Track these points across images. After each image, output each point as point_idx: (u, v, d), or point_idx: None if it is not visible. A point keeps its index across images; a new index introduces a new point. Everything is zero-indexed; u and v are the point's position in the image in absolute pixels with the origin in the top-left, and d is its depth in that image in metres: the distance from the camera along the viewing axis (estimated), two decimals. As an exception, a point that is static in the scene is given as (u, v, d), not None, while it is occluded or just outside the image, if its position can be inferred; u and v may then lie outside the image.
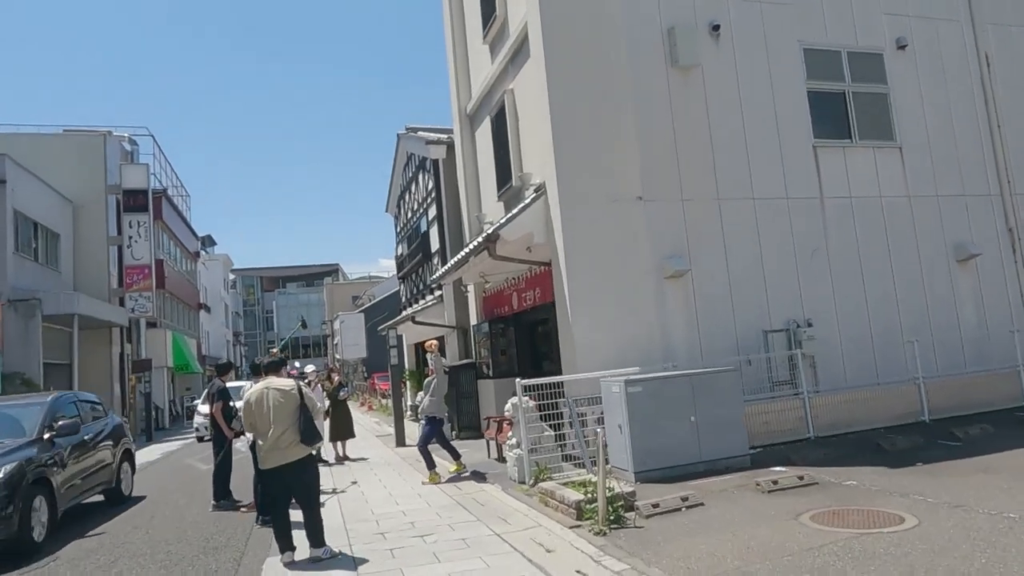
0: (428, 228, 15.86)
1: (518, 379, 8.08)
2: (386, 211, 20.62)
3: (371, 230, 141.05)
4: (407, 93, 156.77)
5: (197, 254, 40.60)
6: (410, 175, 17.60)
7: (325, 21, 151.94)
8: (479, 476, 9.13)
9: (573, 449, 8.24)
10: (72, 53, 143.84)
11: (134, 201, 23.66)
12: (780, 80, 10.42)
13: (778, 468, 7.52)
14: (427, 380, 9.52)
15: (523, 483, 7.91)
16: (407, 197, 18.37)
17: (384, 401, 28.16)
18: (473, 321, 13.61)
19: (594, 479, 7.49)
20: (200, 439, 17.90)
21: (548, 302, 10.13)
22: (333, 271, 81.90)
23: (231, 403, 8.32)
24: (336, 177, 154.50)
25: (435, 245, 15.40)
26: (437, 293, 15.26)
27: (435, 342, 9.42)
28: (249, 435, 6.29)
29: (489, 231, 9.26)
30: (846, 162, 10.70)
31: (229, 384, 8.79)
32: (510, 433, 8.46)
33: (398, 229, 20.10)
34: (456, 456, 9.46)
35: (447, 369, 9.80)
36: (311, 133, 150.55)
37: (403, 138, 17.42)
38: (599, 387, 8.23)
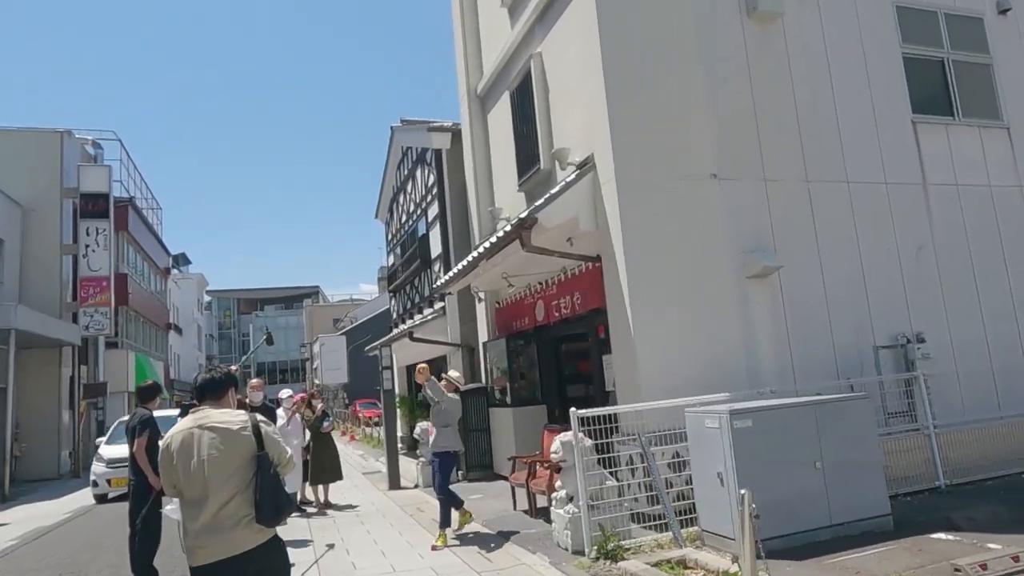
0: (428, 230, 13.72)
1: (573, 410, 5.90)
2: (375, 217, 18.46)
3: (352, 254, 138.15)
4: (394, 106, 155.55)
5: (168, 270, 37.95)
6: (405, 173, 15.51)
7: (310, 23, 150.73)
8: (503, 536, 6.90)
9: (653, 506, 6.02)
10: (37, 54, 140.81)
11: (93, 206, 21.21)
12: (872, 41, 8.53)
13: (943, 536, 5.38)
14: (436, 406, 7.28)
15: (581, 554, 5.69)
16: (401, 199, 16.24)
17: (369, 431, 25.68)
18: (483, 337, 11.43)
19: (689, 553, 5.30)
20: (102, 498, 12.16)
21: (593, 309, 8.00)
22: (313, 293, 79.20)
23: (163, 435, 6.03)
24: (317, 201, 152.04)
25: (436, 249, 13.25)
26: (438, 305, 13.06)
27: (425, 366, 7.20)
28: (172, 509, 3.87)
29: (523, 215, 7.15)
30: (950, 142, 8.78)
31: (158, 413, 6.49)
32: (558, 483, 6.25)
33: (389, 237, 17.93)
34: (458, 503, 7.23)
35: (461, 385, 7.55)
36: (291, 157, 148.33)
37: (398, 131, 15.35)
38: (674, 419, 6.10)
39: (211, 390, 3.36)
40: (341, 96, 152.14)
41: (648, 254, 6.99)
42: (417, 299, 14.75)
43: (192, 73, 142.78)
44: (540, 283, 9.43)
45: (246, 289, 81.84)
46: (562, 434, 6.13)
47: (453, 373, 7.63)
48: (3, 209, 18.96)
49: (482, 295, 10.14)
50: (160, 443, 3.62)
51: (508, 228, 7.32)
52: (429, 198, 13.56)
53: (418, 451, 11.18)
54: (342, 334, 45.31)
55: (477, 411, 10.97)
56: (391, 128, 15.58)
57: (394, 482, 11.19)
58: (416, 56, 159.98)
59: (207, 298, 67.80)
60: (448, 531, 7.02)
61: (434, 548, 6.69)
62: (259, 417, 3.34)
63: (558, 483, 6.24)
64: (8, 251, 19.01)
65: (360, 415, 31.72)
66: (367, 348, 15.43)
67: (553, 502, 6.25)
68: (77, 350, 21.03)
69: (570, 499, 6.04)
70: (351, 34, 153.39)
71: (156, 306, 33.78)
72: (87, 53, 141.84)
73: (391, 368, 11.67)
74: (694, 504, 5.88)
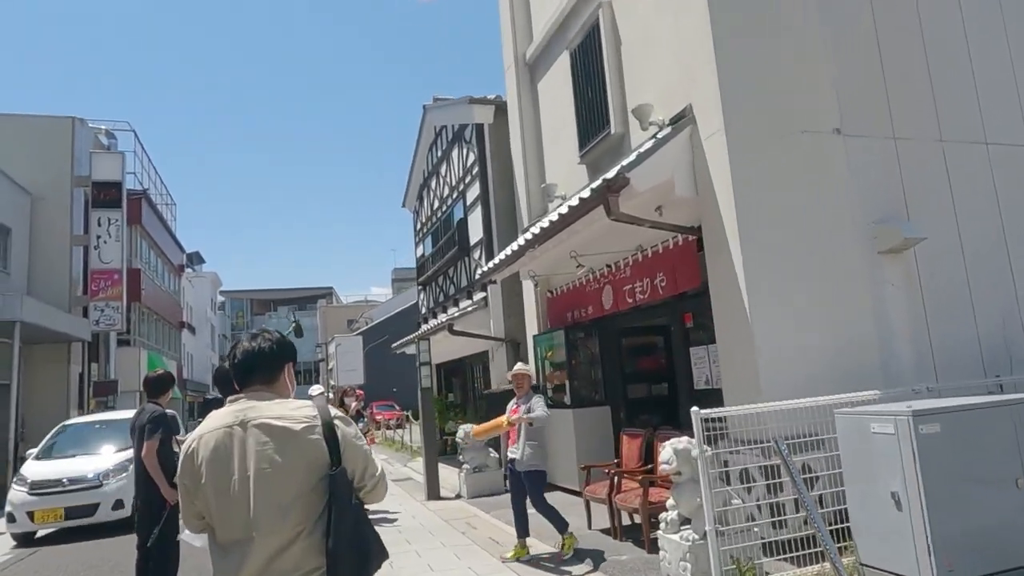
0: (466, 214, 12.54)
1: (696, 409, 4.66)
2: (403, 206, 17.31)
3: (363, 257, 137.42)
4: (408, 106, 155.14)
5: (182, 268, 37.06)
6: (438, 155, 14.35)
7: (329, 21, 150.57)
8: (586, 561, 5.71)
9: (780, 532, 4.77)
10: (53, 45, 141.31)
11: (105, 195, 20.21)
12: (1006, -18, 7.28)
13: None
14: (529, 409, 6.11)
15: (709, 594, 4.46)
16: (433, 184, 15.09)
17: (390, 433, 24.54)
18: (532, 330, 10.23)
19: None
20: (26, 539, 8.89)
21: (679, 295, 6.80)
22: (327, 294, 78.32)
23: (177, 438, 4.88)
24: (330, 204, 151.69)
25: (476, 235, 12.07)
26: (478, 297, 11.88)
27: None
28: (194, 535, 2.58)
29: (610, 175, 5.94)
30: (1095, 101, 7.49)
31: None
32: (669, 501, 5.01)
33: (418, 227, 16.78)
34: (563, 524, 6.08)
35: (548, 395, 6.33)
36: (303, 157, 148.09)
37: (430, 110, 14.19)
38: (793, 424, 4.87)
39: (260, 369, 2.13)
40: (356, 99, 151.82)
41: (766, 223, 5.77)
42: (452, 291, 13.58)
43: (205, 71, 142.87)
44: (608, 266, 8.22)
45: (259, 290, 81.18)
46: (674, 441, 4.91)
47: (523, 365, 6.42)
48: (11, 197, 17.98)
49: (537, 279, 8.94)
50: (180, 448, 2.43)
51: (590, 192, 6.11)
52: (468, 179, 12.39)
53: (460, 456, 9.99)
54: (358, 334, 44.34)
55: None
56: (423, 107, 14.43)
57: (433, 492, 10.01)
58: (430, 60, 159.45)
59: (220, 298, 67.08)
60: (507, 552, 5.91)
61: (503, 560, 5.59)
62: (335, 412, 2.16)
63: (669, 502, 5.01)
64: (16, 240, 18.03)
65: (379, 417, 30.57)
66: (396, 345, 14.27)
67: (663, 524, 5.02)
68: (87, 346, 20.04)
69: (685, 522, 4.82)
70: (367, 33, 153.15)
71: (169, 304, 32.86)
72: (99, 50, 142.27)
73: (429, 364, 10.49)
74: (842, 530, 4.65)
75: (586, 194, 6.46)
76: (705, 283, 6.41)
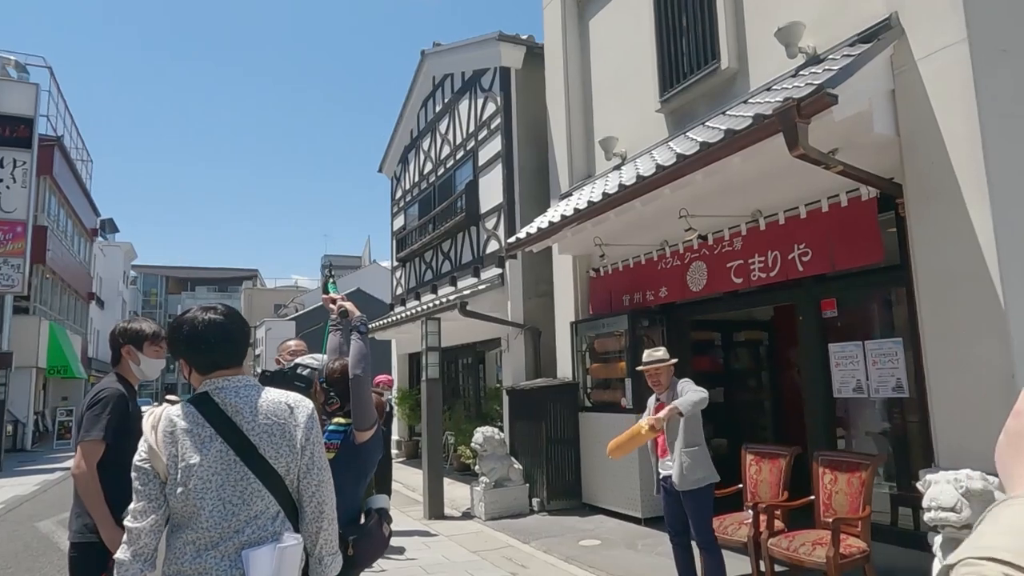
0: (477, 176, 10.56)
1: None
2: (380, 171, 15.09)
3: (289, 245, 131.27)
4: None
5: (95, 233, 33.00)
6: (438, 109, 12.28)
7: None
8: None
9: None
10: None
11: (13, 131, 16.96)
12: None
13: None
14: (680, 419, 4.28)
15: None
16: (426, 144, 12.98)
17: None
18: (568, 316, 8.41)
19: None
20: None
21: (840, 272, 5.17)
22: (252, 276, 73.69)
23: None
24: (258, 184, 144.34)
25: (491, 200, 10.11)
26: (490, 274, 9.95)
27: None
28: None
29: (804, 92, 4.20)
30: None
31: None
32: (937, 566, 3.30)
33: (398, 195, 14.60)
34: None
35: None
36: (234, 134, 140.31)
37: (430, 57, 12.13)
38: None
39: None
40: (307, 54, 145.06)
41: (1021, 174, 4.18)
42: (448, 267, 11.54)
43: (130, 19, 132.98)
44: (702, 237, 6.50)
45: (177, 267, 75.72)
46: (963, 476, 3.20)
47: (661, 351, 4.58)
48: None
49: (603, 249, 7.10)
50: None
51: (772, 110, 4.34)
52: (483, 134, 10.42)
53: (476, 467, 8.04)
54: (290, 319, 41.17)
55: (563, 419, 7.94)
56: (421, 53, 12.35)
57: (435, 509, 8.01)
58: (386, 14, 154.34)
59: (133, 273, 61.69)
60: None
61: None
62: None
63: (937, 568, 3.29)
64: None
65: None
66: (374, 326, 12.06)
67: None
68: (-24, 310, 16.73)
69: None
70: None
71: (78, 272, 28.97)
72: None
73: (438, 349, 8.48)
74: None
75: (742, 122, 4.72)
76: (895, 255, 4.82)
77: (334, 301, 3.09)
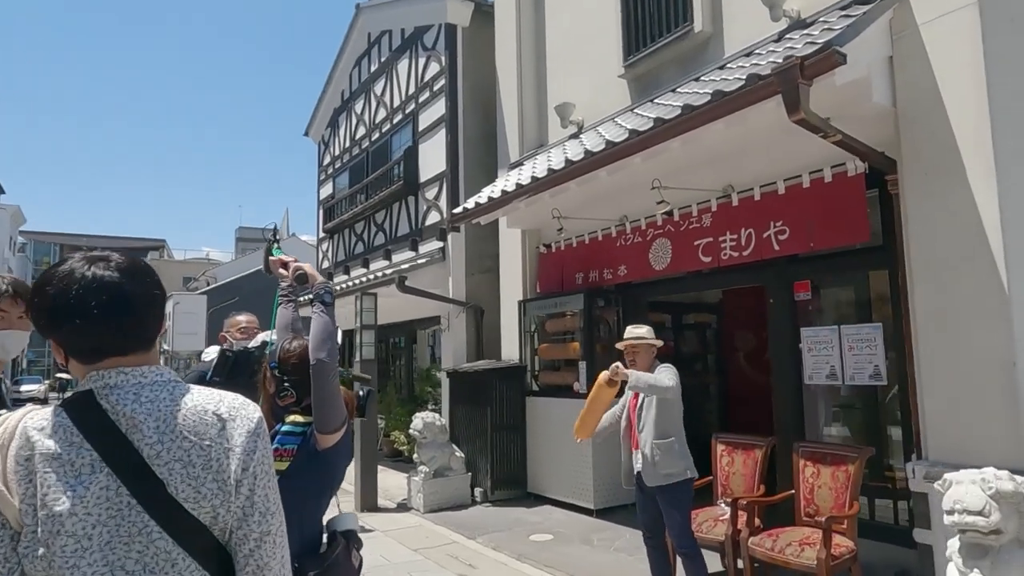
0: (417, 142, 9.78)
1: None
2: (306, 134, 13.97)
3: (200, 215, 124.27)
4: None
5: (-25, 192, 29.76)
6: (374, 68, 11.36)
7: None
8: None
9: None
10: None
11: None
12: None
13: None
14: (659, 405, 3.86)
15: None
16: (359, 107, 12.03)
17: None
18: (516, 294, 7.89)
19: None
20: None
21: (818, 252, 4.88)
22: (159, 247, 69.27)
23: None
24: (167, 143, 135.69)
25: (432, 168, 9.39)
26: (429, 248, 9.27)
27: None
28: None
29: (807, 51, 3.80)
30: None
31: None
32: (953, 569, 2.99)
33: (326, 161, 13.55)
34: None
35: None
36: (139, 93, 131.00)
37: (366, 11, 11.19)
38: None
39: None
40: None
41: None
42: (382, 240, 10.75)
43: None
44: (667, 213, 6.08)
45: (72, 234, 70.02)
46: (987, 475, 2.90)
47: (644, 329, 4.13)
48: None
49: (561, 223, 6.56)
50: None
51: (772, 69, 3.92)
52: (425, 97, 9.65)
53: (415, 456, 7.43)
54: (201, 294, 38.93)
55: (509, 404, 7.44)
56: (356, 7, 11.39)
57: (369, 500, 7.39)
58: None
59: (21, 239, 56.68)
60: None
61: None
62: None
63: (954, 571, 2.98)
64: None
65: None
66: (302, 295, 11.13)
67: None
68: None
69: (1001, 613, 2.85)
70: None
71: (-46, 234, 25.98)
72: None
73: (374, 327, 7.78)
74: None
75: (736, 82, 4.28)
76: (884, 235, 4.55)
77: (285, 265, 2.42)
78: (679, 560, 4.01)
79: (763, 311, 8.08)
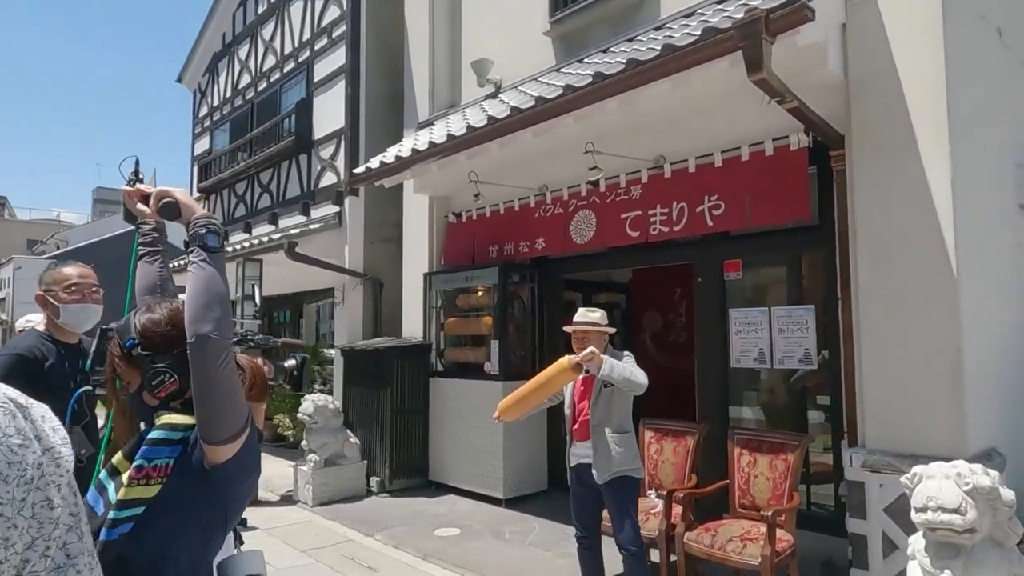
0: (311, 94, 8.78)
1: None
2: (179, 80, 12.35)
3: (52, 172, 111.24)
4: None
5: None
6: (262, 9, 10.10)
7: None
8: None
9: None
10: None
11: None
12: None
13: None
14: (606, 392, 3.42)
15: None
16: (242, 52, 10.73)
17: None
18: (422, 266, 7.24)
19: None
20: None
21: (752, 230, 4.65)
22: (-2, 204, 61.35)
23: None
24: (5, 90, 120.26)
25: (328, 125, 8.45)
26: (323, 212, 8.38)
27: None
28: None
29: (771, 4, 3.46)
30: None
31: None
32: (915, 568, 2.77)
33: (203, 112, 12.06)
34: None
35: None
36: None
37: (255, -55, 9.95)
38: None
39: None
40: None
41: (981, 128, 3.83)
42: (268, 202, 9.65)
43: None
44: (591, 183, 5.66)
45: None
46: (963, 468, 2.69)
47: (596, 312, 3.69)
48: None
49: (479, 187, 5.92)
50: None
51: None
52: (324, 43, 8.66)
53: (304, 443, 6.63)
54: (49, 258, 34.87)
55: (411, 385, 6.82)
56: (243, -62, 10.08)
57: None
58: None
59: None
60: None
61: None
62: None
63: (915, 569, 2.76)
64: None
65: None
66: (184, 261, 9.78)
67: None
68: None
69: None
70: None
71: None
72: None
73: (255, 299, 6.86)
74: None
75: (687, 37, 3.88)
76: (821, 214, 4.36)
77: (146, 198, 1.69)
78: (613, 561, 3.63)
79: (673, 291, 8.01)
